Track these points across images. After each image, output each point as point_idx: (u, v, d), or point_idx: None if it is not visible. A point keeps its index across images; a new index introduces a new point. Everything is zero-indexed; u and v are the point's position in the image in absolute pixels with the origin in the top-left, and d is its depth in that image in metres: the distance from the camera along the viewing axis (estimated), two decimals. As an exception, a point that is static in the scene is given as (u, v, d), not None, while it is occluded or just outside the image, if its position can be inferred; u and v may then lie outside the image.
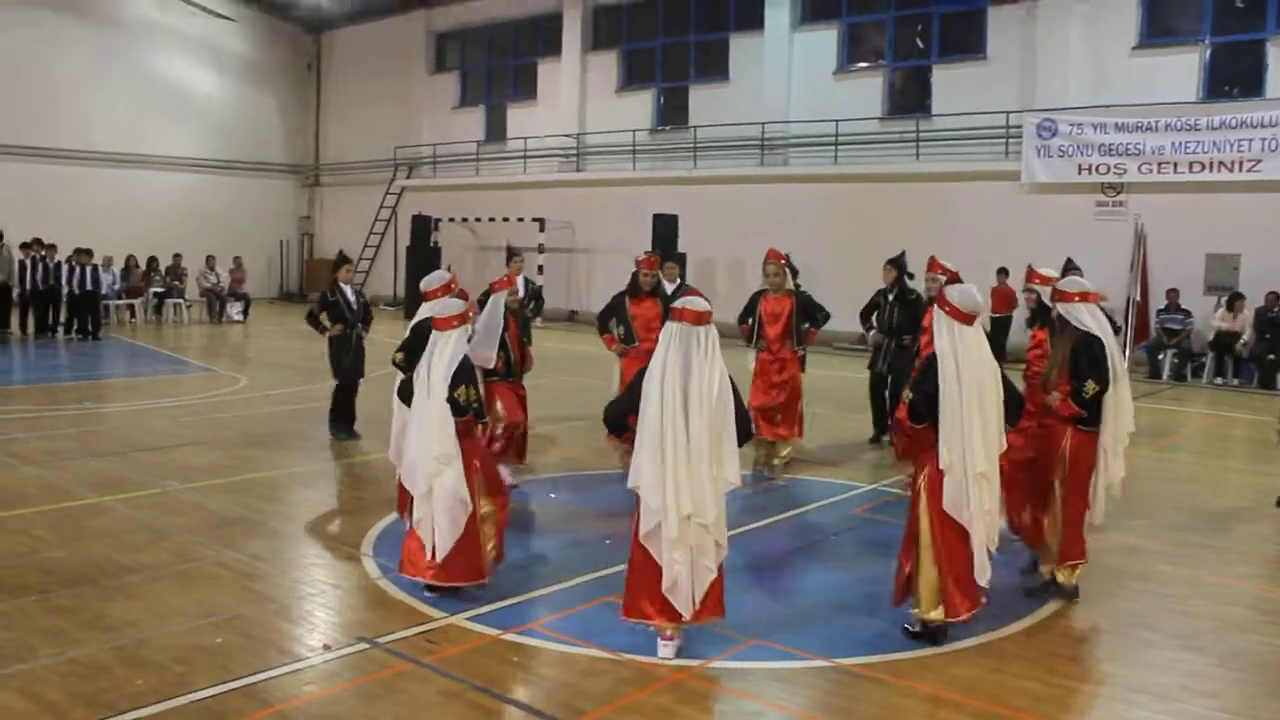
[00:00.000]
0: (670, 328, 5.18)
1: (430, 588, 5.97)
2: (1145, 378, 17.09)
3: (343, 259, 11.07)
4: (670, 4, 25.86)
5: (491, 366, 8.22)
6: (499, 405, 8.42)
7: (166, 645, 5.26)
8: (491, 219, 26.51)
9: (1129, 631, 5.87)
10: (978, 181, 20.55)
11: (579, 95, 27.17)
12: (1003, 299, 18.49)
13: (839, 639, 5.60)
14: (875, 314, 10.89)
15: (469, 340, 7.76)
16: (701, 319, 5.14)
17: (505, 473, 8.79)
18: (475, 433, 6.11)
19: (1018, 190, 20.03)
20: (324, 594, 6.20)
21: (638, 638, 5.43)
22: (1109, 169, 19.04)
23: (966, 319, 5.45)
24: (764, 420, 9.38)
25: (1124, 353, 9.63)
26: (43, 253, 20.29)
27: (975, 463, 5.28)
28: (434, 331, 6.06)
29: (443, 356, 5.94)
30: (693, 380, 5.04)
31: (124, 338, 20.92)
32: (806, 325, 9.67)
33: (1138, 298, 18.32)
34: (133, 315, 23.78)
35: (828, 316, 9.89)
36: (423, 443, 5.88)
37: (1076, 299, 6.24)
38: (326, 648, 5.27)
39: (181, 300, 24.79)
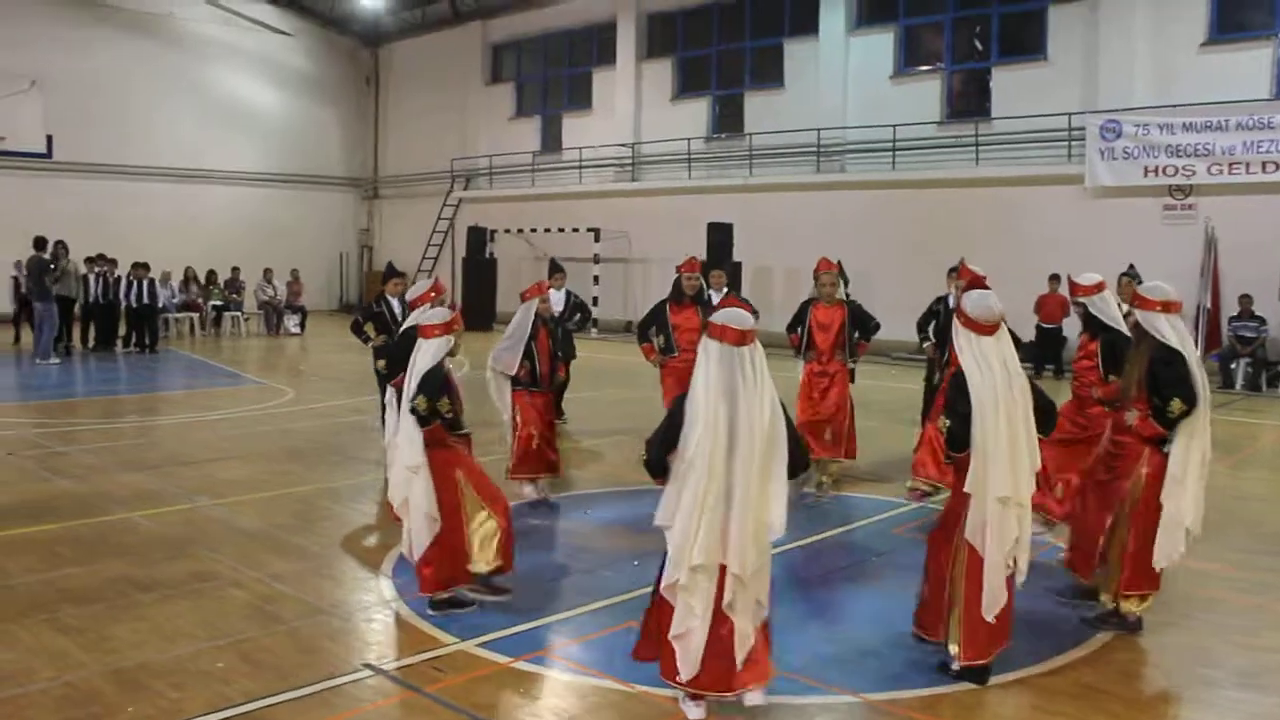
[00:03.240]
0: (709, 346, 4.44)
1: (432, 604, 5.82)
2: (1218, 388, 16.36)
3: (392, 271, 10.86)
4: (724, 10, 25.62)
5: (513, 373, 8.29)
6: (516, 415, 8.35)
7: (166, 669, 5.09)
8: (547, 229, 26.43)
9: (1188, 668, 5.45)
10: (1040, 186, 20.03)
11: (634, 104, 27.01)
12: (1056, 306, 17.95)
13: (868, 672, 5.25)
14: (933, 324, 10.51)
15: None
16: (745, 339, 4.43)
17: (531, 489, 8.63)
18: (450, 442, 5.88)
19: (1081, 194, 19.44)
20: (336, 616, 5.97)
21: (654, 668, 5.16)
22: (1177, 171, 18.39)
23: (985, 330, 5.00)
24: (812, 437, 8.98)
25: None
26: (105, 268, 20.57)
27: (999, 486, 4.84)
28: (419, 339, 5.89)
29: (417, 364, 5.76)
30: (740, 410, 4.35)
31: (182, 350, 21.13)
32: (858, 337, 9.28)
33: (1208, 304, 17.68)
34: (192, 329, 24.03)
35: (878, 326, 9.50)
36: (399, 452, 5.76)
37: (1159, 308, 5.63)
38: (331, 676, 5.05)
39: (239, 313, 25.03)
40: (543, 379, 8.57)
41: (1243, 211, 17.45)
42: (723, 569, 4.42)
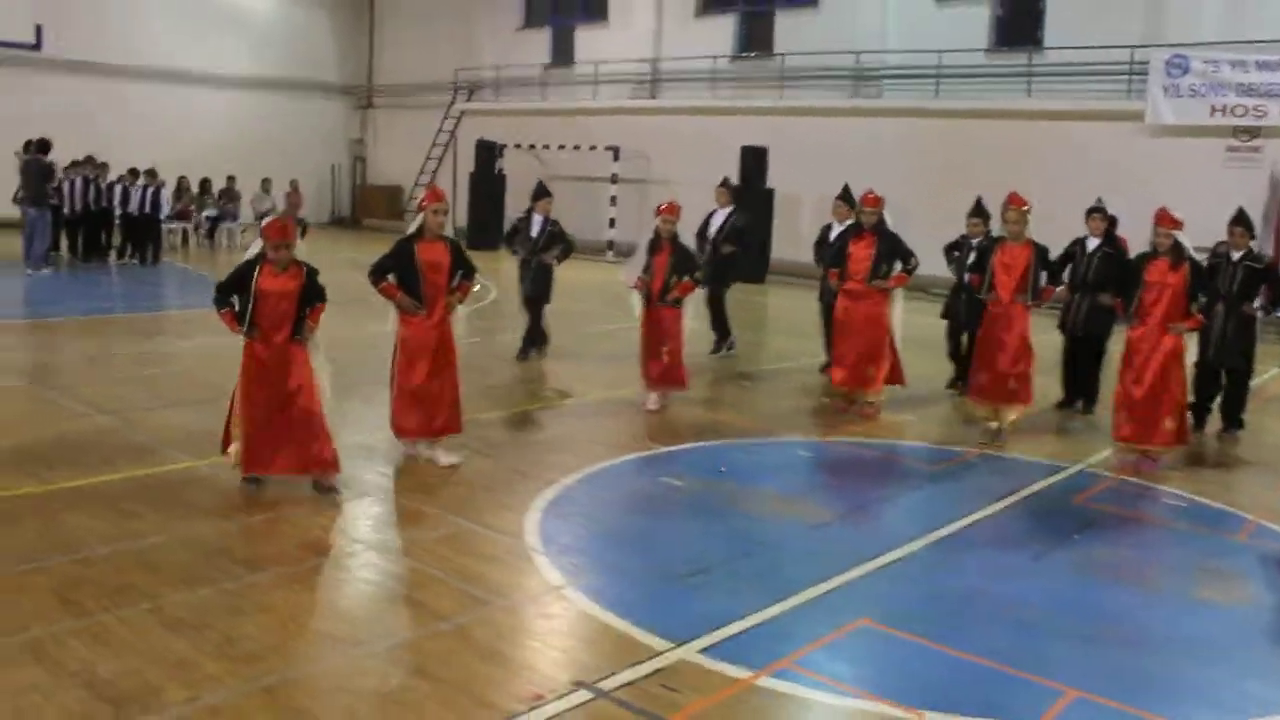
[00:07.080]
0: None
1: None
2: (1278, 340, 15.57)
3: (542, 191, 11.18)
4: (756, -82, 24.07)
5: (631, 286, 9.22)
6: None
7: (324, 688, 4.02)
8: (561, 146, 24.97)
9: None
10: (1094, 121, 18.95)
11: (655, 17, 25.46)
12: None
13: (1190, 695, 4.31)
14: (1070, 266, 9.61)
15: None
16: None
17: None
18: (240, 333, 6.45)
19: (1139, 132, 18.38)
20: (501, 609, 4.86)
21: (924, 681, 4.18)
22: (1246, 111, 17.37)
23: None
24: (996, 384, 8.67)
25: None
26: (94, 173, 18.90)
27: None
28: None
29: None
30: None
31: (177, 263, 19.63)
32: (1046, 283, 8.75)
33: (1270, 252, 16.84)
34: (185, 241, 22.49)
35: (1058, 278, 9.20)
36: None
37: None
38: (539, 698, 4.01)
39: (235, 224, 23.48)
40: (652, 294, 9.04)
41: (1316, 157, 16.54)
42: None
